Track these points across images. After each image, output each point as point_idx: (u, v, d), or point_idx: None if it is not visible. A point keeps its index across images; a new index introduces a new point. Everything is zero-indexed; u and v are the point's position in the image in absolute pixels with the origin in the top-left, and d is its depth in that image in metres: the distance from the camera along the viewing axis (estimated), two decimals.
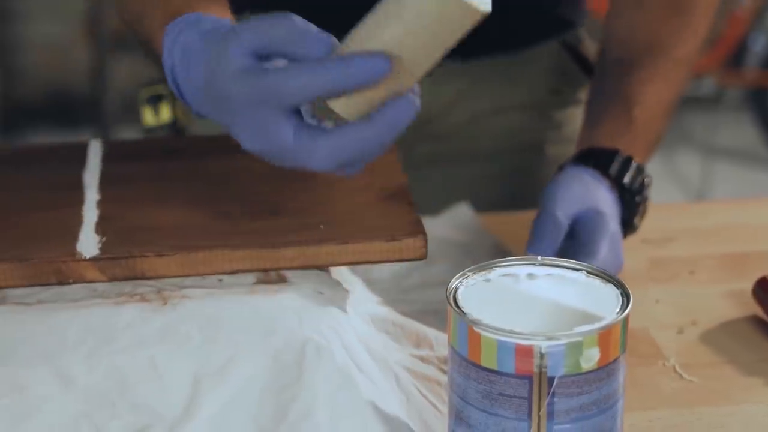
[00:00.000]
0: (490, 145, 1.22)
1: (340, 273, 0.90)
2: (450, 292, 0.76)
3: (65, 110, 3.50)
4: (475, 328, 0.72)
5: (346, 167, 0.77)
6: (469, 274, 0.78)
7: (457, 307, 0.74)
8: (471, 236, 1.08)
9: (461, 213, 1.11)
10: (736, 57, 3.86)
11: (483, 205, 1.16)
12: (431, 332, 0.90)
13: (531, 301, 0.77)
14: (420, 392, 0.83)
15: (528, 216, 1.16)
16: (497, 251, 1.07)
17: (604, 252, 0.89)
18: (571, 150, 1.21)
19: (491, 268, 0.79)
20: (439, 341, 0.89)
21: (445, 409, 0.84)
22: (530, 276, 0.79)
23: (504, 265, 0.79)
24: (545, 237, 0.91)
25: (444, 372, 0.87)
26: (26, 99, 3.48)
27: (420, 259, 0.84)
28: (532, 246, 0.91)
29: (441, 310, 0.98)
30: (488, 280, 0.78)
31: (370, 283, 0.97)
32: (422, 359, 0.87)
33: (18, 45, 3.46)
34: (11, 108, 3.35)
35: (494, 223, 1.12)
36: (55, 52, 3.49)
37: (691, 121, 3.93)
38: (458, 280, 0.77)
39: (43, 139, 3.45)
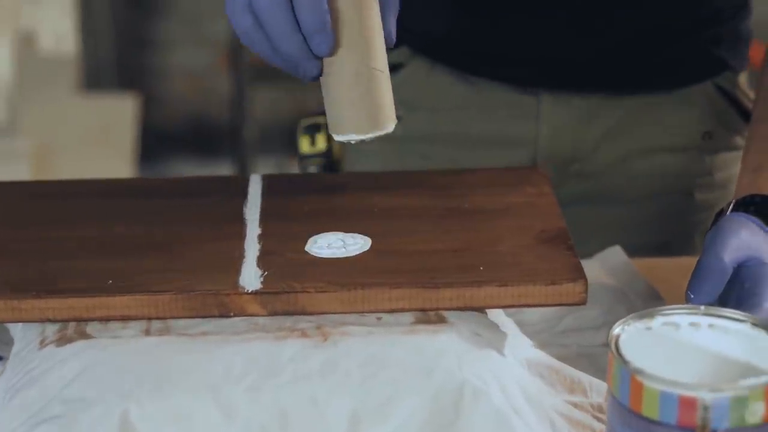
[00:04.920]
0: (638, 188, 1.21)
1: (494, 313, 0.90)
2: (612, 340, 0.75)
3: (205, 140, 3.56)
4: (637, 377, 0.72)
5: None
6: (630, 321, 0.77)
7: (620, 355, 0.74)
8: (624, 280, 1.07)
9: (614, 256, 1.10)
10: None
11: (629, 247, 1.14)
12: (585, 378, 0.89)
13: (693, 351, 0.76)
14: None
15: (678, 262, 1.15)
16: (650, 296, 1.06)
17: None
18: (723, 196, 1.20)
19: (653, 316, 0.78)
20: (593, 387, 0.89)
21: None
22: (693, 325, 0.78)
23: (666, 314, 0.78)
24: (709, 280, 0.90)
25: (598, 420, 0.86)
26: (167, 127, 3.54)
27: (580, 304, 0.84)
28: (694, 288, 0.90)
29: (595, 355, 0.97)
30: (649, 328, 0.77)
31: (522, 325, 0.97)
32: (576, 405, 0.86)
33: (159, 73, 3.53)
34: (151, 136, 3.41)
35: (643, 268, 1.11)
36: (197, 82, 3.55)
37: None
38: (620, 327, 0.77)
39: (182, 168, 3.51)
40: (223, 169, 3.47)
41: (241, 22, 0.86)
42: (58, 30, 3.33)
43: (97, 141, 3.14)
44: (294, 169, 3.45)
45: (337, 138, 0.89)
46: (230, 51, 3.44)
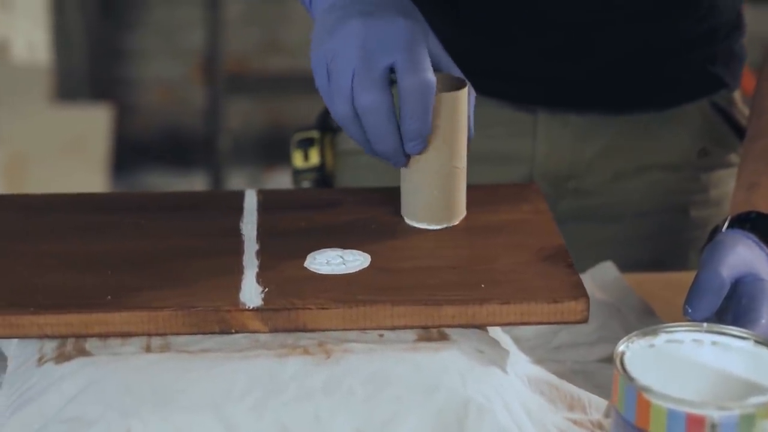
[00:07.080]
0: (634, 205, 1.21)
1: (492, 330, 0.89)
2: (617, 357, 0.75)
3: (179, 150, 3.54)
4: (645, 395, 0.72)
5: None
6: (634, 338, 0.77)
7: (626, 372, 0.74)
8: (617, 296, 1.07)
9: (606, 271, 1.10)
10: None
11: (625, 264, 1.14)
12: (584, 395, 0.89)
13: (696, 368, 0.76)
14: None
15: (669, 277, 1.15)
16: (644, 312, 1.06)
17: (766, 320, 0.88)
18: (718, 214, 1.20)
19: (657, 333, 0.78)
20: (592, 404, 0.88)
21: None
22: (696, 342, 0.78)
23: (669, 331, 0.78)
24: (707, 295, 0.89)
25: None
26: (140, 138, 3.53)
27: (581, 322, 0.84)
28: (692, 303, 0.90)
29: (591, 371, 0.97)
30: (653, 345, 0.77)
31: (517, 341, 0.97)
32: (575, 422, 0.86)
33: (133, 84, 3.52)
34: (125, 146, 3.39)
35: (636, 283, 1.11)
36: (171, 92, 3.54)
37: None
38: (624, 344, 0.77)
39: (156, 179, 3.49)
40: (197, 179, 3.46)
41: (338, 109, 0.90)
42: (32, 39, 3.31)
43: (70, 151, 3.12)
44: (267, 180, 3.45)
45: (409, 222, 0.95)
46: (204, 62, 3.43)
